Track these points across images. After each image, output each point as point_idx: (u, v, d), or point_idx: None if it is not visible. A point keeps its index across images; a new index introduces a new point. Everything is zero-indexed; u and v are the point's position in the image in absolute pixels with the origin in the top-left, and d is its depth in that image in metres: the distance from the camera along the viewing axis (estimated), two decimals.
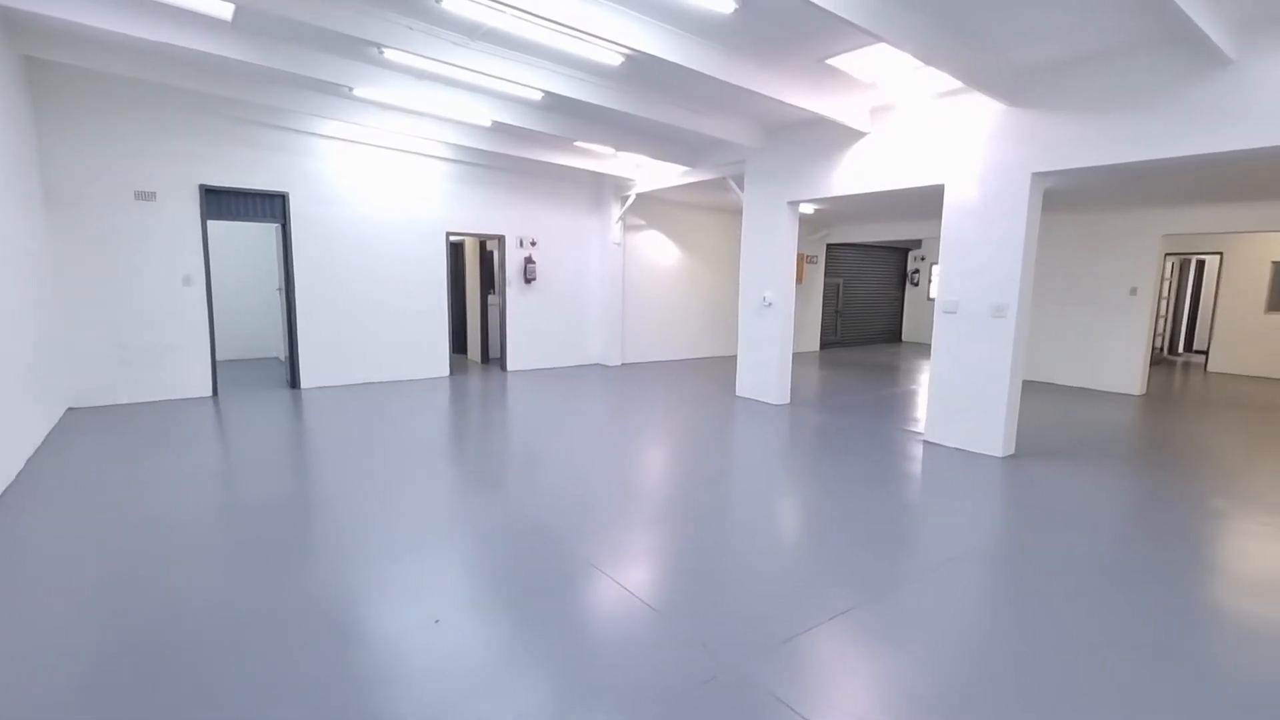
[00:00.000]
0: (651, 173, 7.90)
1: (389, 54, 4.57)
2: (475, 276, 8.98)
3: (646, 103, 5.21)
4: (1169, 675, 2.13)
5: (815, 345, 11.75)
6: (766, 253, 6.47)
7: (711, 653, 2.19)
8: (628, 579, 2.71)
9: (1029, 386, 7.92)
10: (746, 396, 6.85)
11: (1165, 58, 3.76)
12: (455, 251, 9.43)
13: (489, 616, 2.39)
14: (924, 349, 12.49)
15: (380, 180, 7.06)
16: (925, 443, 5.10)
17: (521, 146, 6.93)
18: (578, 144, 6.92)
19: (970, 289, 4.79)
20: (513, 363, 8.41)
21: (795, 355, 10.85)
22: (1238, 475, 4.40)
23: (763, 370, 6.64)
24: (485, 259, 8.95)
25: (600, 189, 8.85)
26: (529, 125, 5.83)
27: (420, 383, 7.34)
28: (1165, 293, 10.46)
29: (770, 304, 6.46)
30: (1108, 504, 3.80)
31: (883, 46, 4.00)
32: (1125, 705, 1.96)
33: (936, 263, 13.58)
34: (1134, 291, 7.64)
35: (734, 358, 9.53)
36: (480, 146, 6.68)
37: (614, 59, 4.42)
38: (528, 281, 8.29)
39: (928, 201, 7.24)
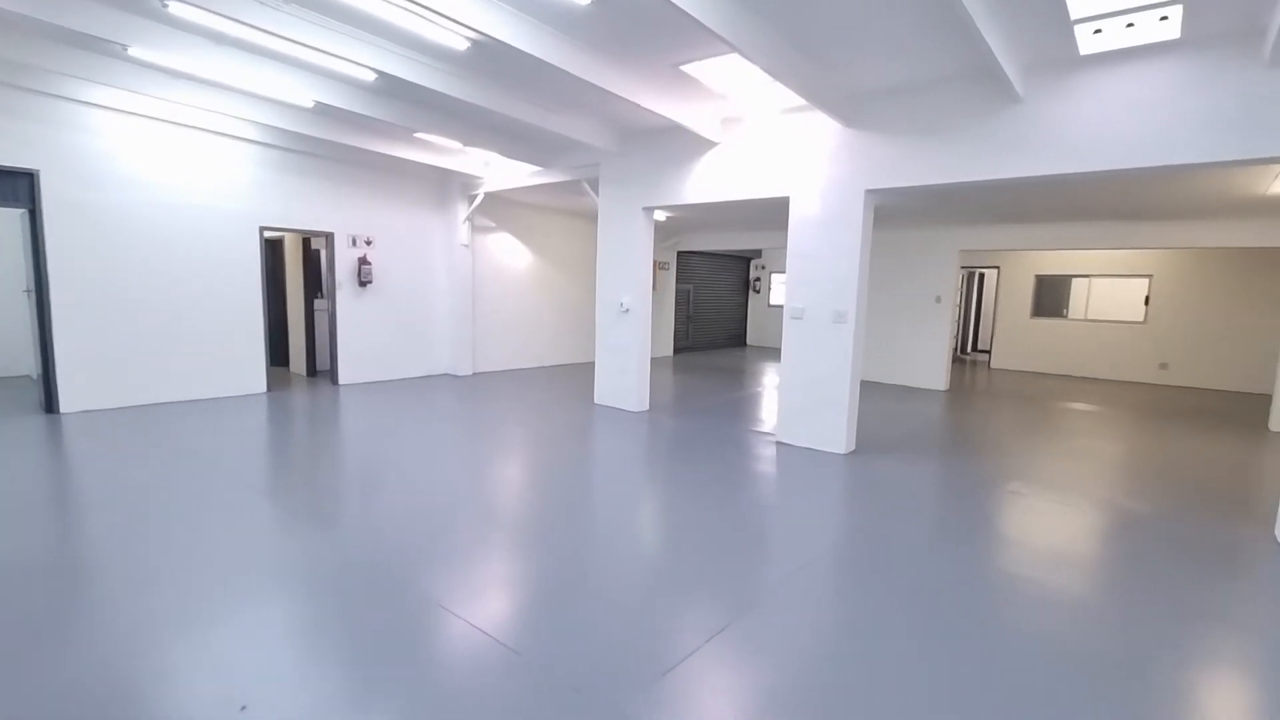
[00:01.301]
0: (502, 171, 7.51)
1: (174, 7, 3.79)
2: (298, 278, 7.93)
3: (497, 95, 4.88)
4: (997, 645, 2.29)
5: (669, 350, 12.01)
6: (623, 258, 6.40)
7: (585, 696, 1.98)
8: (483, 618, 2.40)
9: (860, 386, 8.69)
10: (605, 404, 6.72)
11: (971, 91, 4.22)
12: (273, 250, 8.27)
13: (314, 689, 1.96)
14: (768, 352, 13.31)
15: (173, 163, 5.94)
16: (778, 444, 5.30)
17: (353, 134, 6.21)
18: (419, 136, 6.36)
19: (814, 296, 5.06)
20: (346, 375, 7.53)
21: (651, 361, 10.98)
22: (1025, 458, 5.08)
23: (621, 377, 6.55)
24: (310, 259, 7.94)
25: (446, 186, 8.27)
26: (360, 110, 5.20)
27: (229, 402, 6.28)
28: (959, 301, 12.11)
29: (628, 310, 6.39)
30: (933, 492, 4.16)
31: (734, 58, 4.07)
32: (967, 680, 2.06)
33: (777, 271, 14.60)
34: (938, 300, 8.70)
35: (592, 365, 9.39)
36: (302, 131, 5.87)
37: (460, 43, 4.04)
38: (362, 284, 7.47)
39: (772, 212, 7.65)
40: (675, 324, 12.19)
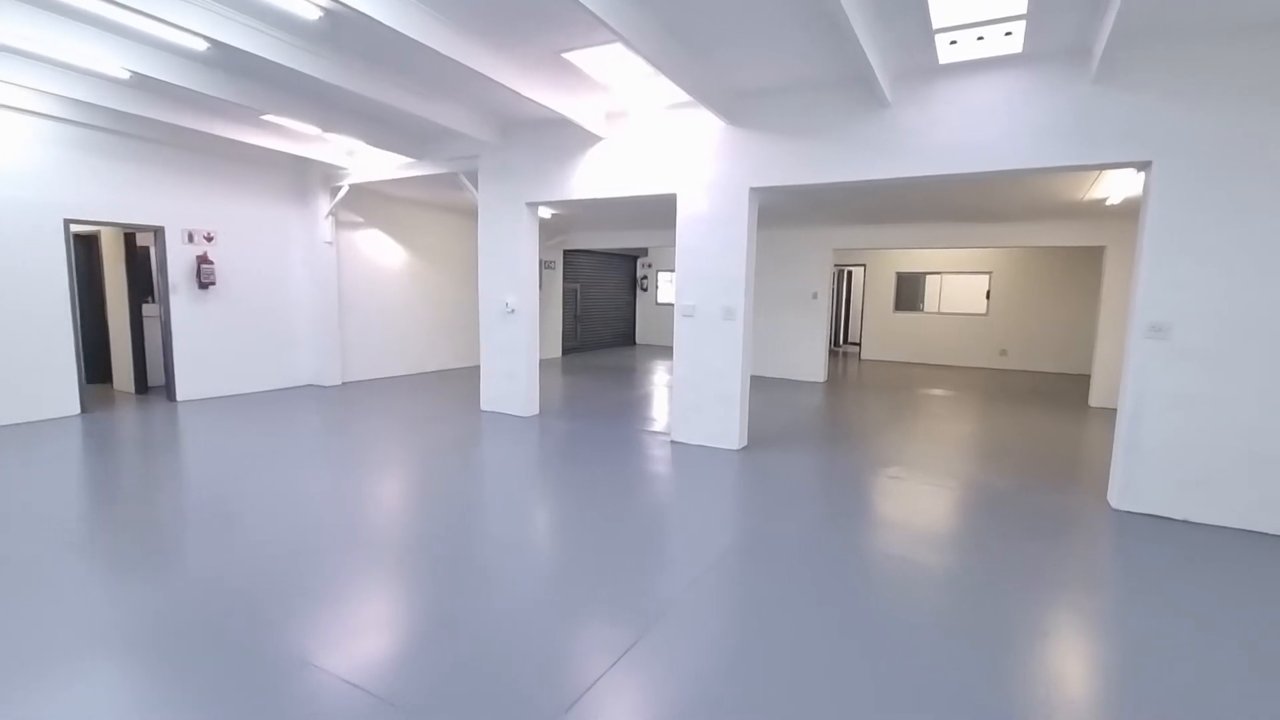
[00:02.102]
0: (369, 162, 6.88)
1: None
2: (120, 280, 6.80)
3: (358, 76, 4.40)
4: (888, 622, 2.32)
5: (558, 351, 11.73)
6: (506, 256, 6.08)
7: None
8: (351, 668, 2.08)
9: None
10: (493, 410, 6.37)
11: (846, 96, 4.39)
12: (87, 248, 7.05)
13: None
14: (657, 351, 13.41)
15: None
16: (672, 443, 5.26)
17: (184, 113, 5.39)
18: (268, 118, 5.65)
19: (704, 293, 5.06)
20: (185, 390, 6.57)
21: (540, 363, 10.66)
22: (900, 444, 5.41)
23: (509, 381, 6.23)
24: (136, 258, 6.84)
25: (304, 177, 7.47)
26: (191, 85, 4.50)
27: (30, 429, 5.24)
28: (833, 297, 12.89)
29: (513, 310, 6.08)
30: (823, 482, 4.28)
31: (618, 48, 3.94)
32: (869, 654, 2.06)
33: (664, 269, 14.76)
34: (815, 296, 9.15)
35: (478, 369, 8.92)
36: (117, 107, 4.99)
37: (310, 10, 3.57)
38: (203, 286, 6.55)
39: (658, 210, 7.64)
40: (563, 324, 11.94)
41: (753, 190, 4.83)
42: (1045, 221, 7.68)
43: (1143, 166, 3.73)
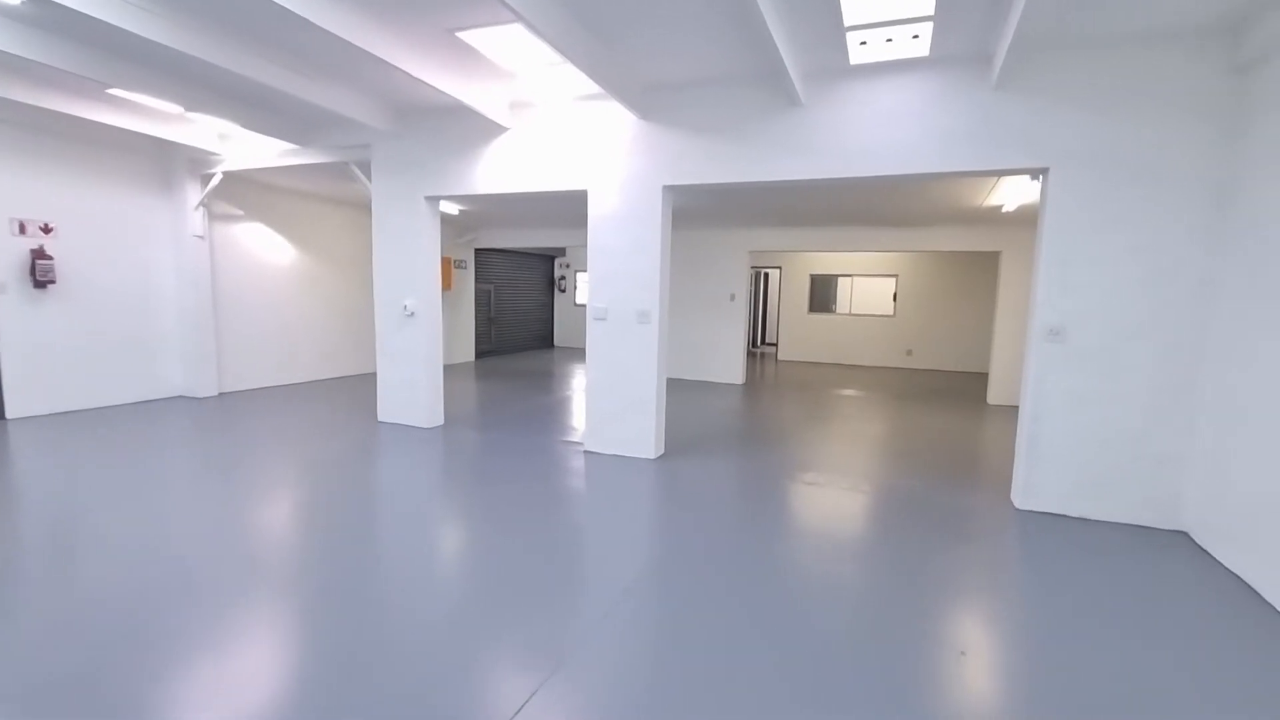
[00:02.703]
0: (245, 148, 6.17)
1: None
2: None
3: (226, 48, 3.83)
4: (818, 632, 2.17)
5: (470, 355, 11.17)
6: (405, 255, 5.59)
7: None
8: None
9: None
10: (392, 421, 5.86)
11: (759, 93, 4.27)
12: None
13: None
14: (576, 354, 13.08)
15: None
16: (586, 453, 4.99)
17: (9, 83, 4.57)
18: (116, 92, 4.89)
19: (617, 295, 4.82)
20: (18, 405, 5.64)
21: (449, 367, 10.10)
22: (815, 447, 5.39)
23: (409, 390, 5.74)
24: None
25: (169, 163, 6.62)
26: (7, 48, 3.79)
27: None
28: (750, 298, 13.04)
29: (413, 314, 5.61)
30: (741, 491, 4.14)
31: (519, 30, 3.62)
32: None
33: (582, 270, 14.44)
34: (733, 297, 9.14)
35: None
36: None
37: None
38: (40, 284, 5.64)
39: (573, 208, 7.34)
40: (476, 326, 11.38)
41: (666, 188, 4.64)
42: (947, 227, 8.00)
43: (1040, 173, 3.83)
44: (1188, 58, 3.41)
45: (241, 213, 7.31)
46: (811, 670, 2.17)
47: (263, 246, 7.63)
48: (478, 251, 11.15)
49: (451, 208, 7.91)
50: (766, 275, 15.03)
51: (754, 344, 14.49)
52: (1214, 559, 3.27)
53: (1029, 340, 3.92)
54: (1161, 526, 3.65)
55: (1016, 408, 7.49)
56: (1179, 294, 3.52)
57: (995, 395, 7.85)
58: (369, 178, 5.85)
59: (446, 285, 9.82)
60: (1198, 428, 3.54)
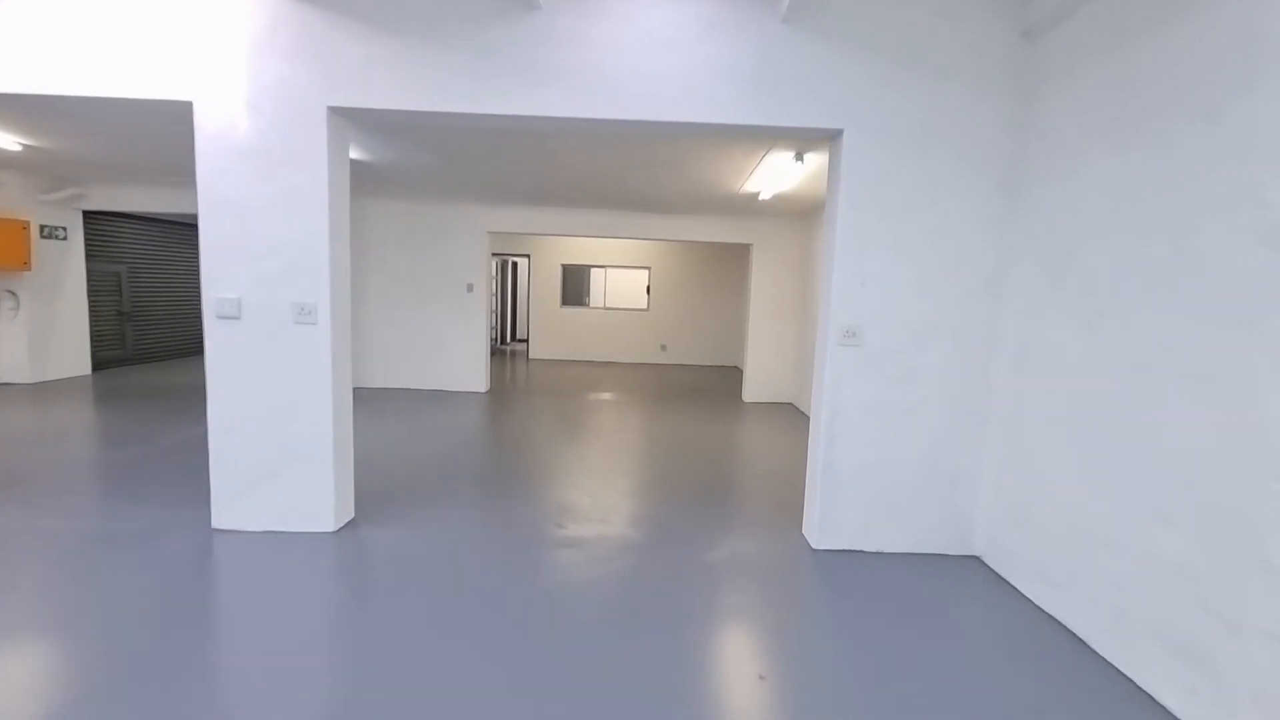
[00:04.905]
0: None
1: None
2: None
3: None
4: None
5: (83, 367, 7.67)
6: None
7: None
8: None
9: (376, 395, 6.88)
10: None
11: None
12: None
13: None
14: None
15: None
16: (217, 533, 3.08)
17: None
18: None
19: (256, 279, 3.00)
20: None
21: (40, 386, 6.72)
22: (571, 480, 4.21)
23: None
24: None
25: None
26: None
27: None
28: (495, 290, 11.51)
29: None
30: (466, 573, 2.72)
31: None
32: None
33: None
34: (470, 288, 7.56)
35: None
36: None
37: None
38: None
39: None
40: (94, 325, 7.82)
41: (335, 113, 2.96)
42: (701, 216, 7.52)
43: (832, 136, 3.10)
44: (984, 11, 2.92)
45: None
46: None
47: None
48: (91, 216, 7.63)
49: (8, 140, 4.94)
50: (515, 264, 13.66)
51: (502, 340, 13.02)
52: (1007, 583, 2.87)
53: (821, 345, 3.21)
54: (953, 552, 3.21)
55: (773, 405, 7.34)
56: (975, 286, 3.07)
57: (751, 393, 7.63)
58: None
59: (19, 263, 6.46)
60: (987, 440, 3.14)
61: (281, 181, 2.94)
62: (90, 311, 7.63)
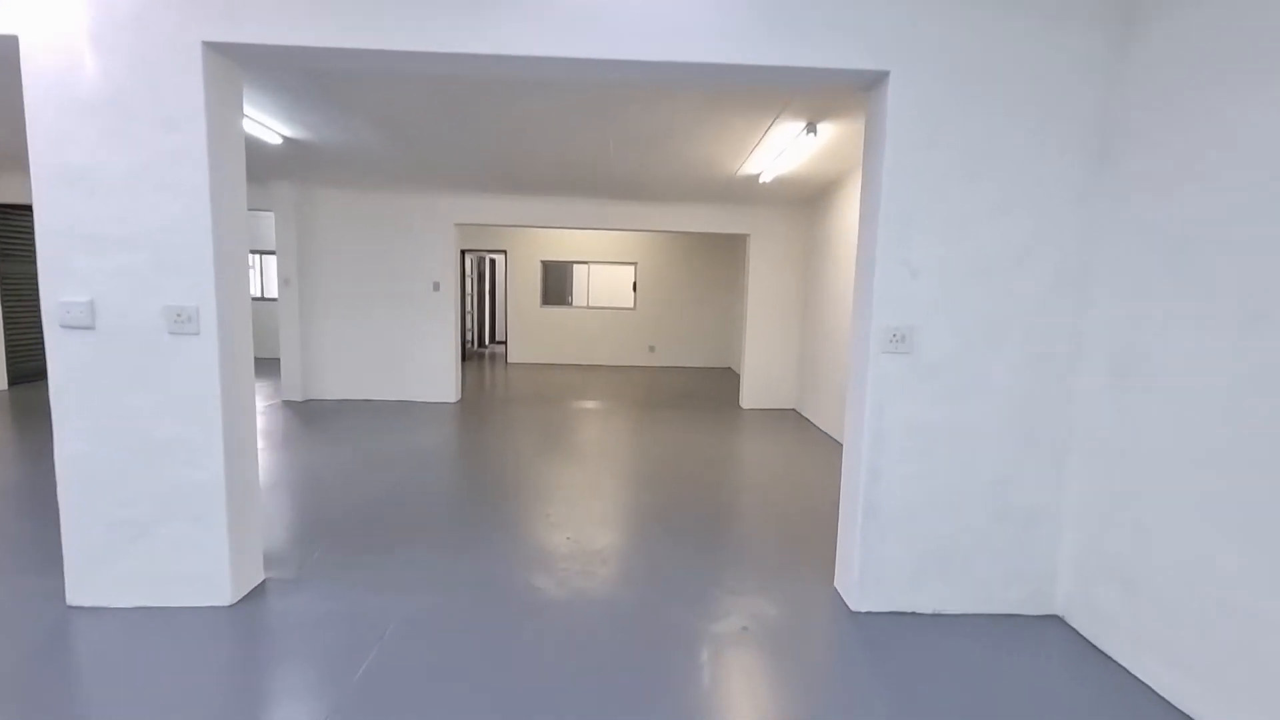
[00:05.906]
0: None
1: None
2: None
3: None
4: None
5: None
6: None
7: None
8: None
9: (328, 410, 6.10)
10: None
11: None
12: None
13: None
14: None
15: None
16: (72, 611, 2.33)
17: None
18: None
19: (114, 277, 2.24)
20: None
21: None
22: (548, 520, 3.48)
23: None
24: None
25: None
26: None
27: None
28: (469, 289, 10.73)
29: None
30: (409, 670, 1.99)
31: None
32: None
33: None
34: (437, 287, 6.79)
35: None
36: None
37: None
38: None
39: None
40: (9, 335, 6.96)
41: (212, 51, 2.21)
42: (692, 204, 6.81)
43: (870, 85, 2.40)
44: None
45: None
46: None
47: None
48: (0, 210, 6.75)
49: None
50: (492, 261, 12.88)
51: (479, 344, 12.24)
52: (1102, 652, 2.21)
53: (860, 353, 2.52)
54: (1029, 611, 2.54)
55: (774, 411, 6.66)
56: (1049, 277, 2.39)
57: (749, 398, 6.94)
58: None
59: None
60: (1069, 471, 2.47)
61: (145, 146, 2.19)
62: (4, 319, 6.74)
